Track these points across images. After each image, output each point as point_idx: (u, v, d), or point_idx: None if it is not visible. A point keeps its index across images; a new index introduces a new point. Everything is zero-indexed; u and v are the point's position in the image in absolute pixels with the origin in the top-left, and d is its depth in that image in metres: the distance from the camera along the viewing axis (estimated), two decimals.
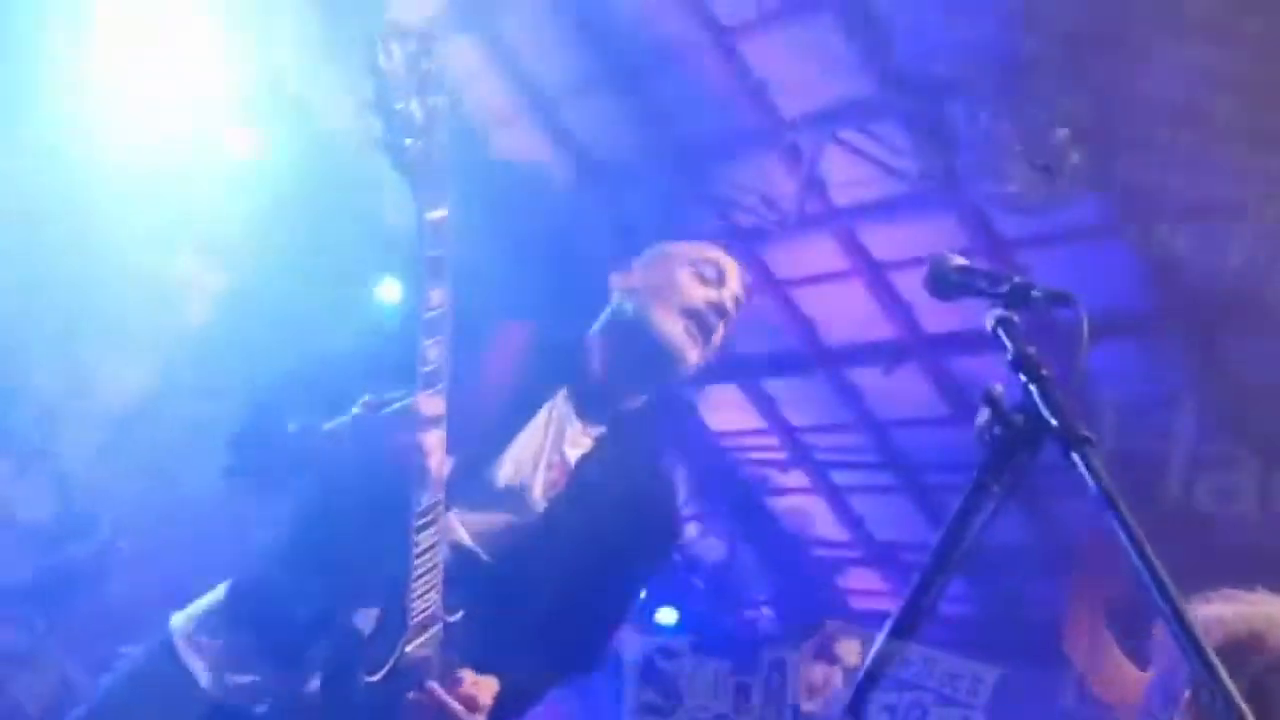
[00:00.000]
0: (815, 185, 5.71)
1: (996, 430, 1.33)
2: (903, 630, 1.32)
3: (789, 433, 7.39)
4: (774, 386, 7.18)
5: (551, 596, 2.06)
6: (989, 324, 1.53)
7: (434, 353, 1.74)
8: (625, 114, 6.05)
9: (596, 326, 2.20)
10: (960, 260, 1.68)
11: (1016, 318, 1.53)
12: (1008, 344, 1.48)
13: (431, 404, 1.77)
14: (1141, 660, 2.74)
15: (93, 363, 5.87)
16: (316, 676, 1.88)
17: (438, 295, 1.73)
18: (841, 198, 5.78)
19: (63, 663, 5.76)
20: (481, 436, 1.95)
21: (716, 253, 2.22)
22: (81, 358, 5.84)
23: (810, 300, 6.47)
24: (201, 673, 1.95)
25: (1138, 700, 2.26)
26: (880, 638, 1.33)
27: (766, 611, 8.24)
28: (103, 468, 5.92)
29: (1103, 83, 4.14)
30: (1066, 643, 3.33)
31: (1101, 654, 3.22)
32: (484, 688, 1.91)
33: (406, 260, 6.20)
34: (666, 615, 7.83)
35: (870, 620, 8.09)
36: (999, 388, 1.38)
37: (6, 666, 5.56)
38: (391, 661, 1.81)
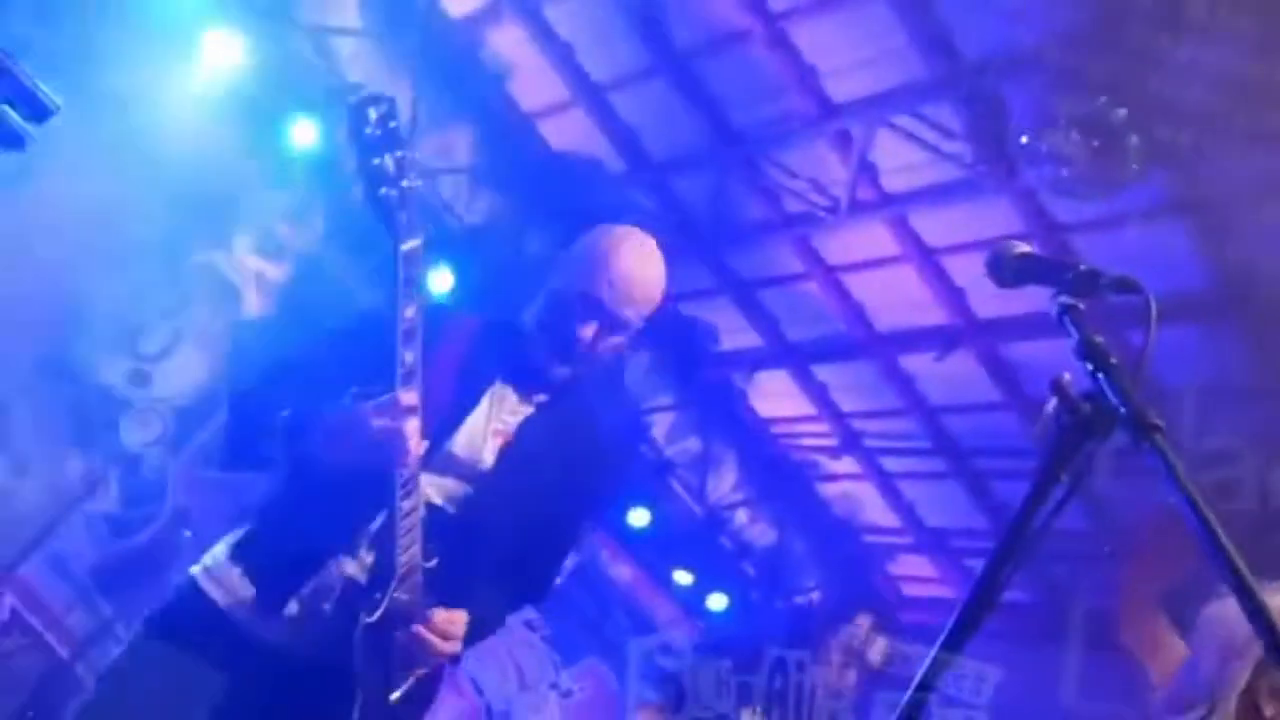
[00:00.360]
0: (866, 171, 5.67)
1: (1064, 419, 1.33)
2: (964, 632, 1.30)
3: (840, 419, 7.36)
4: (825, 373, 7.15)
5: (507, 539, 2.47)
6: (1054, 311, 1.53)
7: (409, 357, 2.07)
8: (675, 102, 6.04)
9: (533, 307, 2.52)
10: (1024, 247, 1.68)
11: (1082, 305, 1.52)
12: (1073, 332, 1.47)
13: (409, 397, 2.09)
14: None
15: (155, 355, 5.99)
16: (294, 602, 2.27)
17: (411, 310, 2.04)
18: (893, 183, 5.73)
19: None
20: (440, 417, 2.31)
21: (603, 277, 2.45)
22: (144, 351, 5.95)
23: (861, 286, 6.44)
24: (219, 596, 2.31)
25: None
26: (940, 640, 1.30)
27: (815, 597, 8.24)
28: (165, 458, 6.04)
29: (1163, 60, 4.07)
30: (1123, 632, 3.30)
31: (1159, 642, 3.19)
32: (455, 621, 2.32)
33: (459, 251, 6.21)
34: (717, 601, 7.87)
35: (919, 607, 8.08)
36: (1066, 376, 1.37)
37: (74, 650, 5.71)
38: (384, 605, 2.20)
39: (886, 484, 7.55)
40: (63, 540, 5.45)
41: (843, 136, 5.67)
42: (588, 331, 2.41)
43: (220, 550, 2.38)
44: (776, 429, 7.78)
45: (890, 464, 7.44)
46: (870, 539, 8.03)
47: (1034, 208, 5.32)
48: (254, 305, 6.22)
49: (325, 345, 2.44)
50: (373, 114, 1.96)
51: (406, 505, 2.15)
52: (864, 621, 6.32)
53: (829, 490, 7.93)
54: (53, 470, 4.37)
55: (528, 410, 2.47)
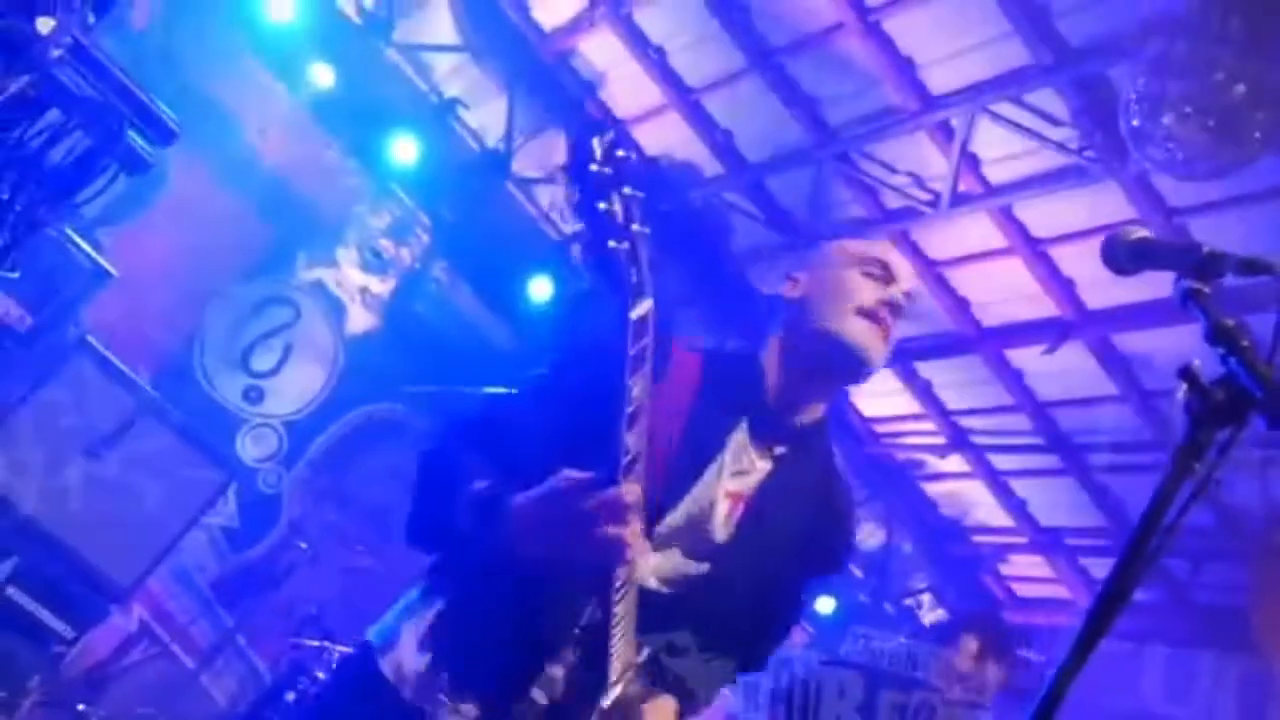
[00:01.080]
0: (968, 162, 5.55)
1: (1196, 407, 1.27)
2: (1095, 634, 1.24)
3: (946, 416, 7.21)
4: (929, 369, 7.02)
5: (737, 618, 2.09)
6: (1177, 296, 1.46)
7: (634, 441, 1.70)
8: (769, 102, 5.99)
9: (771, 343, 2.14)
10: (1141, 232, 1.61)
11: (1207, 289, 1.45)
12: (1201, 316, 1.40)
13: (633, 491, 1.70)
14: None
15: (267, 373, 6.16)
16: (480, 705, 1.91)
17: (638, 388, 1.69)
18: (996, 173, 5.60)
19: (247, 655, 6.08)
20: (661, 479, 1.87)
21: (881, 248, 2.18)
22: (257, 369, 6.13)
23: (965, 280, 6.30)
24: (403, 688, 1.97)
25: None
26: (1071, 644, 1.24)
27: (927, 599, 8.09)
28: (279, 473, 6.22)
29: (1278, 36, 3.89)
30: (1262, 630, 3.15)
31: None
32: (663, 713, 1.97)
33: (558, 260, 6.28)
34: (825, 605, 7.77)
35: (1033, 608, 7.86)
36: (1196, 363, 1.31)
37: (199, 660, 5.90)
38: (596, 711, 1.86)
39: (997, 482, 7.37)
40: (186, 553, 5.64)
41: (943, 128, 5.56)
42: (893, 294, 2.04)
43: (406, 636, 2.02)
44: (881, 428, 7.67)
45: (1000, 461, 7.26)
46: (980, 539, 7.85)
47: (1147, 192, 5.14)
48: (360, 321, 6.36)
49: (524, 403, 2.08)
50: (598, 145, 1.61)
51: (620, 609, 1.81)
52: (971, 644, 6.13)
53: (936, 489, 7.78)
54: (174, 486, 4.52)
55: (767, 466, 2.07)
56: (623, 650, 1.85)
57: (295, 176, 5.90)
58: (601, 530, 1.68)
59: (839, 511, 2.20)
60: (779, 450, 2.07)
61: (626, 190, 1.62)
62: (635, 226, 1.62)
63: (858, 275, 2.08)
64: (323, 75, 5.94)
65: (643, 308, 1.66)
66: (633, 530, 1.71)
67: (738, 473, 2.03)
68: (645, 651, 1.93)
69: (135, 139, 1.54)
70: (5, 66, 1.35)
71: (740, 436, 2.04)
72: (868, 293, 2.06)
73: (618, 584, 1.78)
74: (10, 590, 4.16)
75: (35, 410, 4.28)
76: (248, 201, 5.98)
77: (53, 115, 2.25)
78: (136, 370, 4.98)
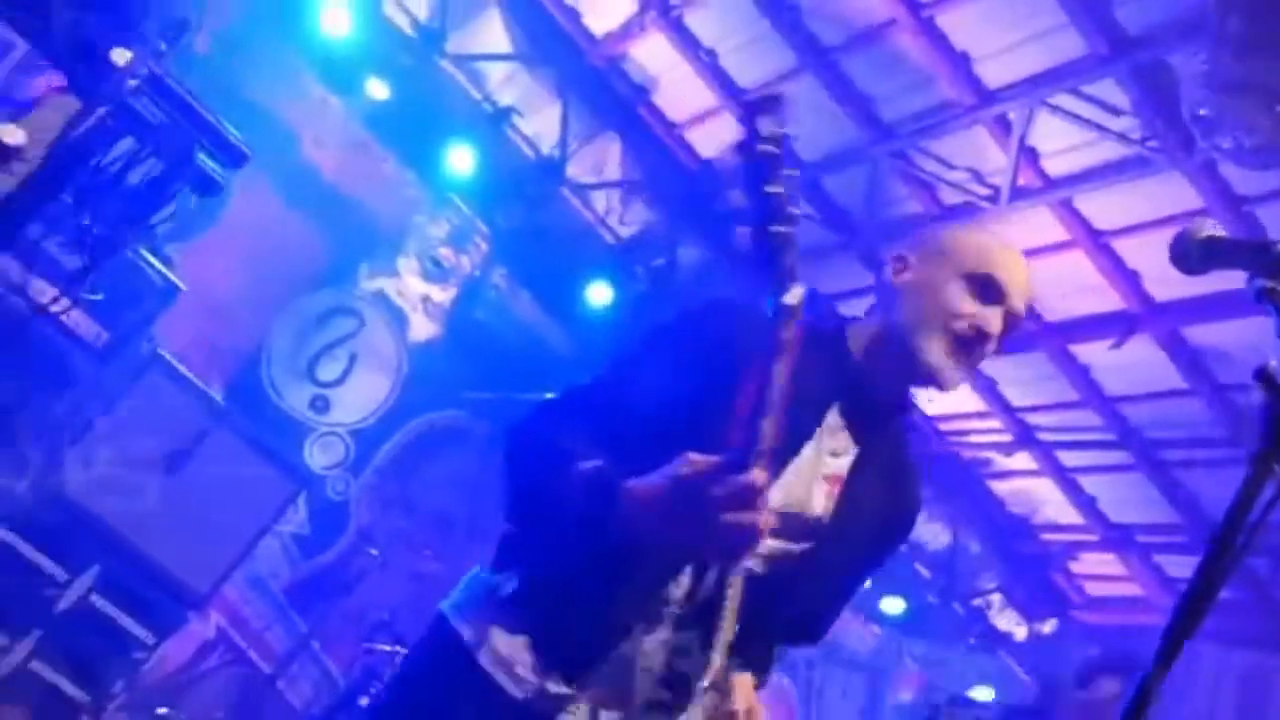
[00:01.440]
0: (1027, 155, 5.48)
1: (1275, 408, 1.25)
2: (1180, 637, 1.22)
3: (1011, 413, 7.13)
4: (992, 366, 6.93)
5: (820, 595, 2.08)
6: (1252, 295, 1.44)
7: (770, 429, 1.62)
8: (823, 100, 5.97)
9: (863, 324, 2.07)
10: (1210, 229, 1.58)
11: None
12: (1276, 315, 1.39)
13: (764, 478, 1.64)
14: None
15: (333, 382, 6.27)
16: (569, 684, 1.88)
17: (781, 372, 1.63)
18: (1056, 166, 5.53)
19: (322, 660, 6.19)
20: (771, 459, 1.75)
21: (1000, 258, 2.00)
22: (323, 378, 6.24)
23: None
24: (507, 681, 1.90)
25: None
26: (1157, 649, 1.22)
27: (996, 600, 8.00)
28: (347, 480, 6.32)
29: None
30: None
31: None
32: (745, 688, 1.95)
33: (615, 264, 6.32)
34: (893, 605, 7.72)
35: (1106, 607, 7.74)
36: (1273, 364, 1.29)
37: (275, 666, 6.01)
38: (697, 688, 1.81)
39: (1065, 479, 7.27)
40: (260, 560, 5.76)
41: (1000, 122, 5.50)
42: (993, 322, 1.92)
43: (490, 616, 1.95)
44: (944, 426, 7.59)
45: (1068, 458, 7.16)
46: (1050, 537, 7.75)
47: (1212, 181, 5.04)
48: (422, 329, 6.44)
49: (623, 380, 2.01)
50: (767, 125, 1.57)
51: (732, 590, 1.79)
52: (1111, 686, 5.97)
53: (1003, 487, 7.69)
54: (247, 495, 4.62)
55: (855, 449, 2.01)
56: (727, 629, 1.80)
57: (354, 189, 5.99)
58: (733, 516, 1.63)
59: (911, 498, 2.15)
60: (865, 433, 2.02)
61: (791, 173, 1.59)
62: (795, 211, 1.60)
63: (963, 290, 1.96)
64: (378, 88, 6.03)
65: (796, 294, 1.62)
66: (765, 517, 1.65)
67: (833, 453, 1.99)
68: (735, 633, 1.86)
69: (206, 161, 1.59)
70: (86, 99, 1.40)
71: (834, 418, 2.00)
72: (966, 315, 1.94)
73: (737, 566, 1.75)
74: (94, 598, 4.28)
75: (112, 424, 4.41)
76: (309, 214, 6.08)
77: (127, 142, 2.32)
78: (207, 382, 5.09)
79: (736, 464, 1.63)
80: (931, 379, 1.97)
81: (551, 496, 1.85)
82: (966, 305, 1.94)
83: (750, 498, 1.62)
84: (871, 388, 2.01)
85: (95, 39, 1.26)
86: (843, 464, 2.00)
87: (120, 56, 1.24)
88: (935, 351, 1.94)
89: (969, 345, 1.95)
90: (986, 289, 1.95)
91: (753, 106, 1.59)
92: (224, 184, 1.60)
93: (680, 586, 1.88)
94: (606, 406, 1.96)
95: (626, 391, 1.98)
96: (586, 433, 1.88)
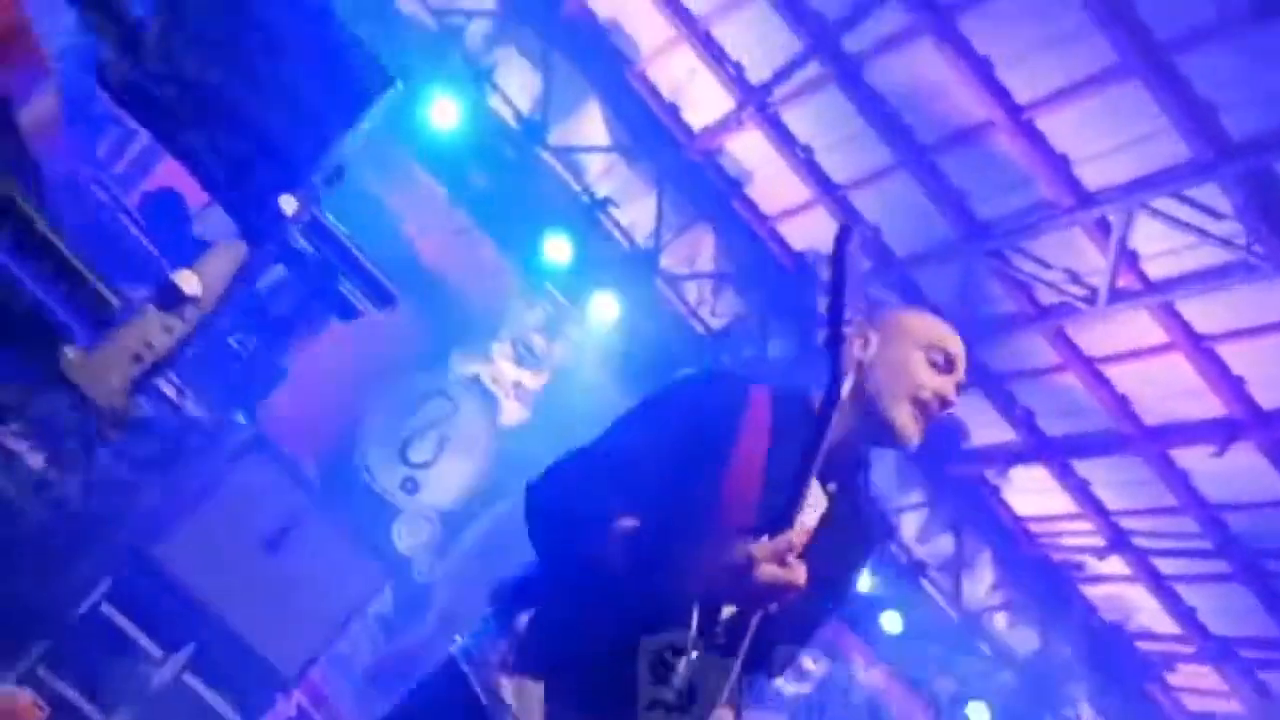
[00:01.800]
0: (1127, 258, 5.42)
1: None
2: None
3: (1105, 517, 6.95)
4: (1086, 468, 6.79)
5: (793, 624, 2.20)
6: None
7: (812, 492, 1.87)
8: (918, 198, 5.99)
9: (845, 388, 2.16)
10: None
11: None
12: None
13: (801, 537, 1.88)
14: None
15: (424, 464, 6.35)
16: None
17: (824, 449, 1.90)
18: (1157, 269, 5.45)
19: None
20: (757, 514, 2.04)
21: (948, 334, 2.29)
22: (414, 460, 6.33)
23: (1126, 377, 6.11)
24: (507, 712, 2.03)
25: None
26: None
27: (1086, 710, 7.72)
28: (432, 562, 6.37)
29: None
30: None
31: None
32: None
33: (706, 354, 6.35)
34: (977, 711, 7.50)
35: None
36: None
37: None
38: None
39: (1161, 587, 7.04)
40: (343, 641, 5.79)
41: (1099, 223, 5.45)
42: (948, 388, 2.21)
43: (500, 655, 2.06)
44: (1035, 528, 7.42)
45: (1165, 565, 6.94)
46: (1144, 646, 7.47)
47: None
48: (512, 413, 6.51)
49: (634, 443, 2.16)
50: (853, 250, 1.89)
51: (748, 637, 1.94)
52: None
53: (1095, 592, 7.46)
54: (338, 579, 4.68)
55: (824, 502, 2.22)
56: (736, 671, 1.96)
57: (453, 274, 6.14)
58: (772, 574, 1.85)
59: (873, 535, 2.38)
60: (831, 487, 2.24)
61: (863, 287, 1.92)
62: (860, 320, 1.93)
63: (923, 361, 2.23)
64: (479, 177, 6.20)
65: (849, 384, 1.95)
66: (800, 572, 1.87)
67: (811, 507, 2.17)
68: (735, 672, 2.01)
69: (350, 291, 1.67)
70: (253, 242, 1.49)
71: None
72: (928, 384, 2.22)
73: (759, 612, 1.91)
74: (186, 676, 4.34)
75: (215, 503, 4.50)
76: (408, 298, 6.17)
77: (279, 270, 2.42)
78: (304, 462, 5.20)
79: (774, 526, 1.87)
80: (898, 442, 2.25)
81: (584, 548, 2.01)
82: (928, 377, 2.23)
83: (787, 553, 1.86)
84: (840, 448, 2.20)
85: (263, 184, 1.34)
86: (815, 516, 2.22)
87: (288, 205, 1.31)
88: (903, 418, 2.22)
89: (929, 412, 2.24)
90: (942, 362, 2.24)
91: (846, 232, 1.90)
92: (363, 311, 1.67)
93: (693, 627, 2.00)
94: (623, 465, 2.12)
95: (637, 451, 2.16)
96: (609, 488, 2.05)
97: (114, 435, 1.34)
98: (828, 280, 1.91)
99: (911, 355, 2.23)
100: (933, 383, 2.22)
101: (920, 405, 2.22)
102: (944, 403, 2.24)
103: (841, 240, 1.90)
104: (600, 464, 2.14)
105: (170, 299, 1.37)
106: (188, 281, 1.40)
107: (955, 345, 2.27)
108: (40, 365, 1.30)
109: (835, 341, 1.90)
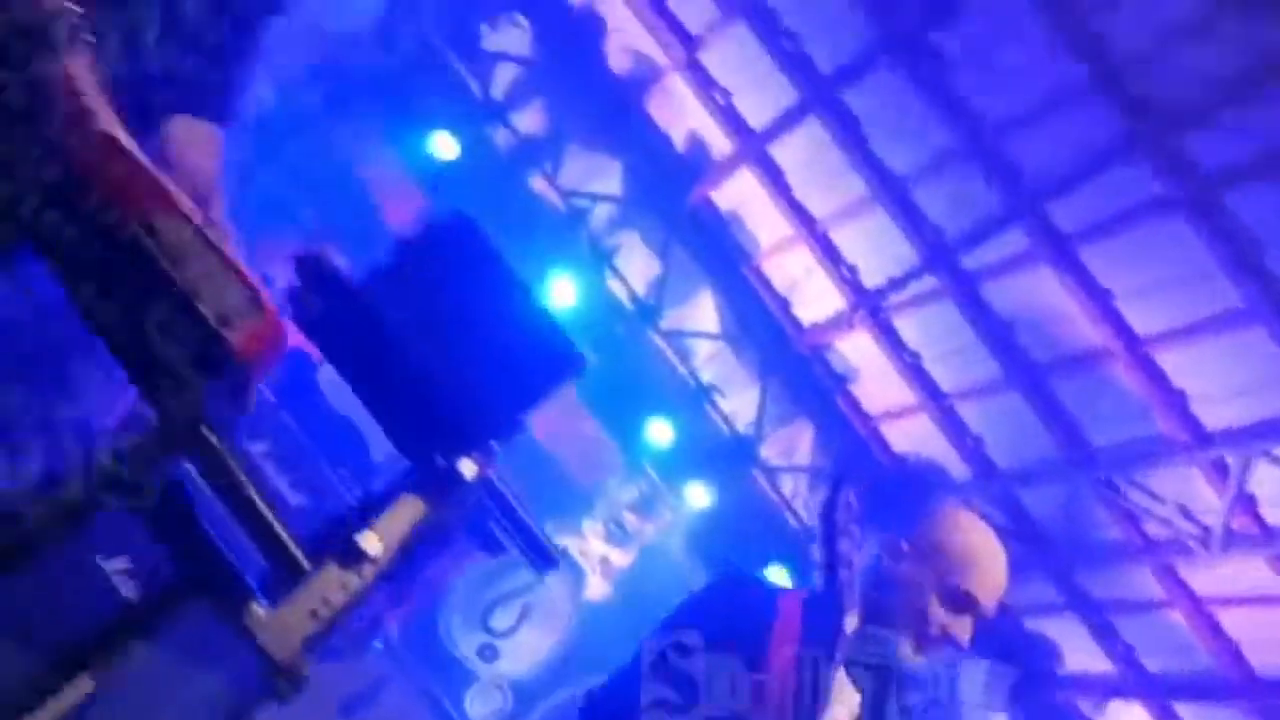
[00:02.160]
0: (1244, 502, 5.26)
1: None
2: None
3: None
4: (1190, 711, 6.44)
5: None
6: None
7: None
8: (1026, 415, 5.93)
9: (867, 585, 2.32)
10: None
11: None
12: None
13: None
14: None
15: (504, 632, 6.33)
16: None
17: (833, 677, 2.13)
18: (1276, 516, 5.27)
19: None
20: (791, 713, 2.20)
21: (977, 569, 2.27)
22: (495, 627, 6.31)
23: (1236, 622, 5.84)
24: None
25: None
26: None
27: None
28: None
29: None
30: None
31: None
32: None
33: (797, 549, 6.27)
34: None
35: None
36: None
37: None
38: None
39: None
40: None
41: (1216, 464, 5.32)
42: (963, 633, 2.24)
43: None
44: None
45: None
46: None
47: None
48: (597, 589, 6.48)
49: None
50: (846, 497, 2.08)
51: None
52: None
53: None
54: None
55: (856, 698, 2.29)
56: None
57: (556, 447, 6.22)
58: None
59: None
60: (863, 684, 2.29)
61: (855, 530, 2.10)
62: (856, 558, 2.09)
63: (937, 599, 2.24)
64: (590, 354, 6.33)
65: (851, 621, 2.14)
66: None
67: (839, 702, 2.25)
68: None
69: (522, 552, 1.77)
70: (432, 502, 1.56)
71: (840, 673, 2.27)
72: (937, 623, 2.24)
73: None
74: None
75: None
76: (511, 466, 6.32)
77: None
78: (388, 623, 5.22)
79: None
80: (895, 660, 2.30)
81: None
82: (939, 614, 2.24)
83: None
84: (863, 640, 2.30)
85: (446, 445, 1.43)
86: (850, 707, 2.29)
87: (468, 470, 1.38)
88: (904, 648, 2.26)
89: (934, 643, 2.26)
90: (959, 600, 2.24)
91: (837, 483, 2.26)
92: (509, 551, 1.73)
93: None
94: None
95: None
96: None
97: (290, 695, 1.37)
98: (819, 528, 2.12)
99: (929, 587, 2.24)
100: (943, 621, 2.23)
101: (925, 640, 2.24)
102: (952, 641, 2.24)
103: (834, 489, 2.15)
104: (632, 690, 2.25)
105: (351, 558, 1.43)
106: (371, 544, 1.46)
107: (981, 582, 2.25)
108: (225, 619, 1.36)
109: (831, 580, 2.07)
